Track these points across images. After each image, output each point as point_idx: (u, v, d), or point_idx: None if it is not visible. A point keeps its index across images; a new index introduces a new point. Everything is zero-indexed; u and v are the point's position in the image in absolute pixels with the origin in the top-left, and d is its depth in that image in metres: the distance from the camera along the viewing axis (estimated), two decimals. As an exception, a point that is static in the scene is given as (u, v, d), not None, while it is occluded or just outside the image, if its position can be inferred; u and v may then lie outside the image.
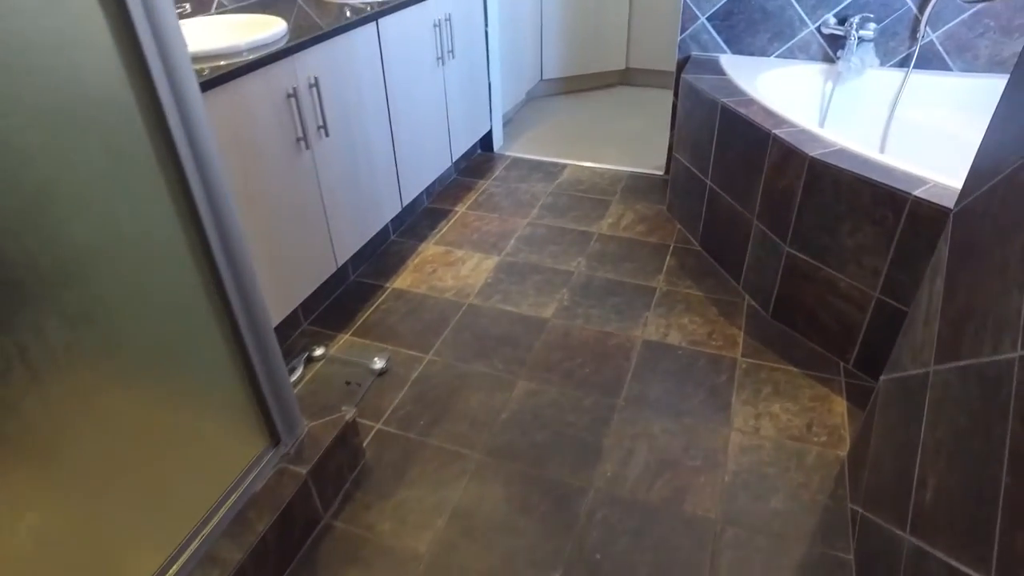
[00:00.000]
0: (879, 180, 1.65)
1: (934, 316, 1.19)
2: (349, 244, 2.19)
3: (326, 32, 1.88)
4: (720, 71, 2.50)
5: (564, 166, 3.13)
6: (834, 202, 1.78)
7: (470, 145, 3.03)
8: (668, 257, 2.41)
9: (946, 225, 1.23)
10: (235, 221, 1.22)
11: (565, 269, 2.36)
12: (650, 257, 2.41)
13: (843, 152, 1.81)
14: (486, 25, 2.98)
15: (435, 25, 2.50)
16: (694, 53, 2.75)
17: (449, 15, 2.58)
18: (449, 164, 2.85)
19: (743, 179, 2.13)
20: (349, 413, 1.60)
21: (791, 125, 1.98)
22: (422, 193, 2.78)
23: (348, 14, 2.16)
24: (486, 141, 3.28)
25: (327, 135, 1.96)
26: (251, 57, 1.66)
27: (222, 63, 1.64)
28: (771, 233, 2.03)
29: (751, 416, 1.75)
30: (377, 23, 2.14)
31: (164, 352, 1.14)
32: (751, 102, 2.17)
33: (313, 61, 1.86)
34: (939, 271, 1.21)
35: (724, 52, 2.72)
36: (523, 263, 2.40)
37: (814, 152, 1.81)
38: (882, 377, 1.44)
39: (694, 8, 2.67)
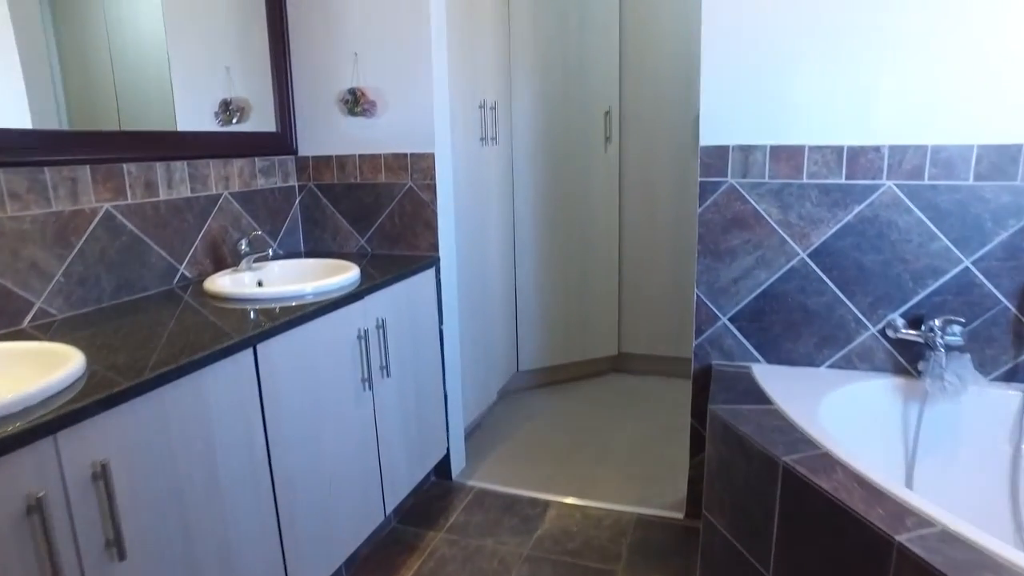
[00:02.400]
0: None
1: None
2: None
3: (137, 384, 1.13)
4: (761, 396, 1.77)
5: (546, 505, 2.28)
6: None
7: (415, 484, 2.20)
8: None
9: None
10: None
11: None
12: None
13: (1055, 598, 0.98)
14: (441, 324, 2.32)
15: (359, 337, 1.81)
16: (716, 363, 2.06)
17: (382, 321, 1.91)
18: (382, 518, 1.99)
19: (844, 600, 1.27)
20: None
21: (927, 521, 1.17)
22: (340, 567, 1.87)
23: (253, 316, 1.47)
24: (443, 465, 2.46)
25: (122, 555, 1.12)
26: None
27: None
28: None
29: None
30: (255, 349, 1.42)
31: None
32: (829, 461, 1.40)
33: (110, 434, 1.09)
34: None
35: (756, 361, 2.03)
36: None
37: (1003, 600, 0.98)
38: None
39: (711, 307, 2.03)
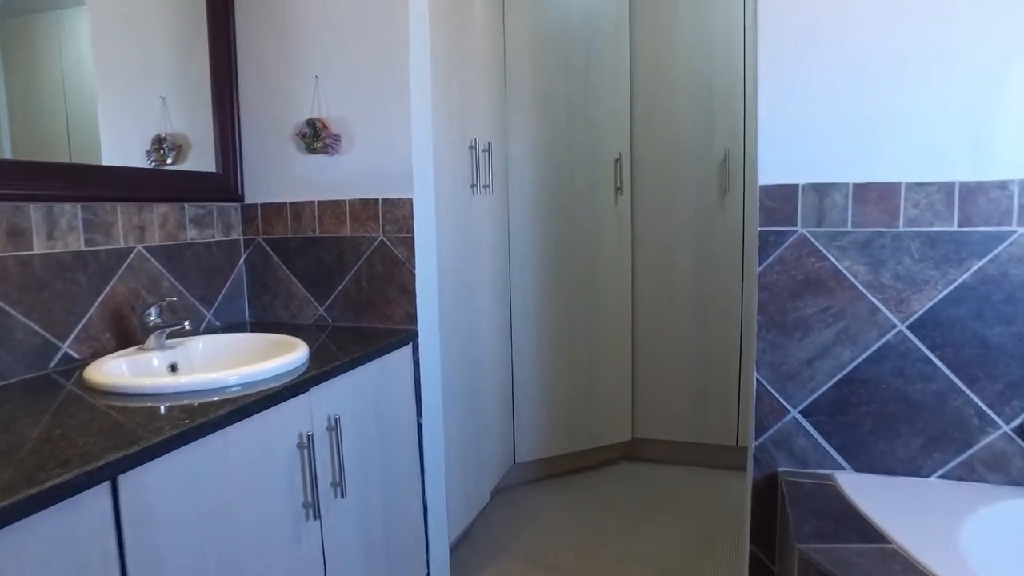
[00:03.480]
0: None
1: None
2: None
3: None
4: (866, 526, 1.26)
5: (559, 660, 1.71)
6: None
7: (383, 635, 1.64)
8: None
9: None
10: None
11: None
12: None
13: None
14: (419, 416, 1.80)
15: (301, 446, 1.29)
16: (784, 470, 1.55)
17: (335, 420, 1.38)
18: None
19: None
20: None
21: None
22: None
23: (170, 416, 0.95)
24: (421, 598, 1.89)
25: None
26: None
27: None
28: None
29: None
30: (114, 484, 0.90)
31: None
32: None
33: None
34: None
35: (839, 467, 1.52)
36: None
37: None
38: None
39: (776, 396, 1.53)
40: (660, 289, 2.86)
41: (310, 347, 1.51)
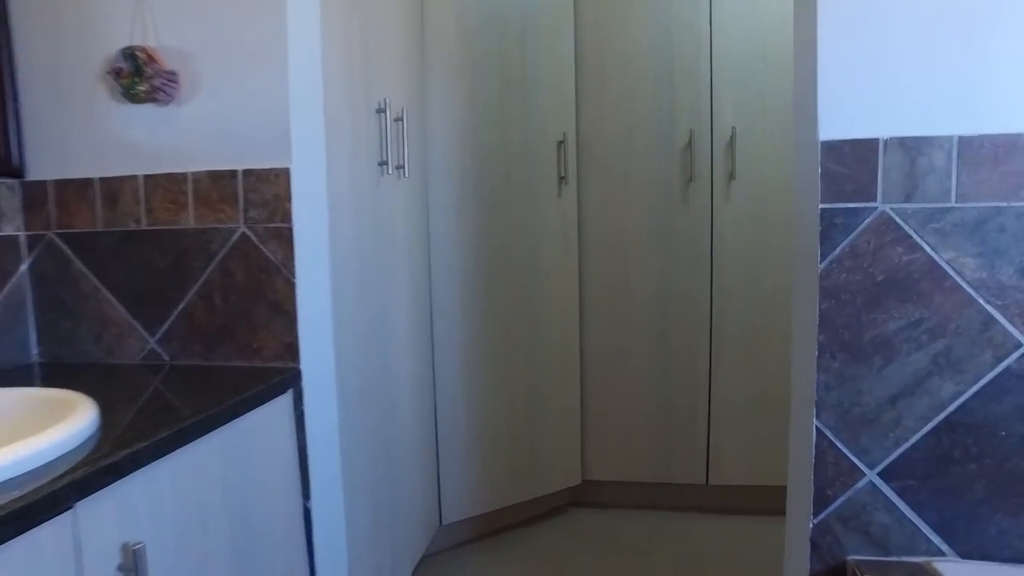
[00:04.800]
0: None
1: None
2: None
3: None
4: None
5: None
6: None
7: None
8: None
9: None
10: None
11: None
12: None
13: None
14: (307, 498, 1.19)
15: (52, 621, 0.66)
16: (856, 559, 1.05)
17: (137, 549, 0.76)
18: None
19: None
20: None
21: None
22: None
23: None
24: None
25: None
26: None
27: None
28: None
29: None
30: None
31: None
32: None
33: None
34: None
35: (939, 553, 1.04)
36: None
37: None
38: None
39: (844, 451, 1.04)
40: (613, 299, 2.35)
41: (117, 406, 0.88)
